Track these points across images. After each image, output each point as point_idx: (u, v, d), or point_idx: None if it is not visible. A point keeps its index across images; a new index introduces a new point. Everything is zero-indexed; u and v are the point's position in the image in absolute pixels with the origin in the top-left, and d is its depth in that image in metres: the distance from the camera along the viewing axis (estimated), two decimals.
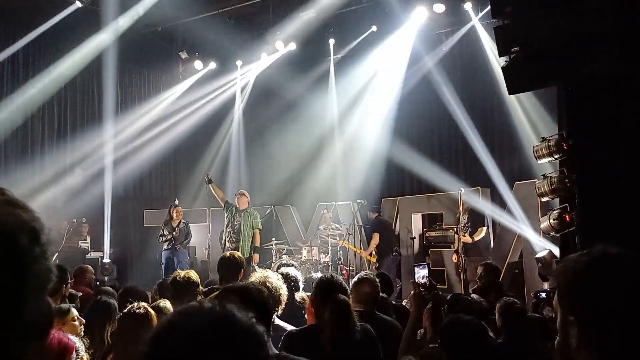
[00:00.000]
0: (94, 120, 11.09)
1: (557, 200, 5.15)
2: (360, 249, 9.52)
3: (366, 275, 3.72)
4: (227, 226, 8.67)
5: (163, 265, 9.23)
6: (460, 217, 7.98)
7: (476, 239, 7.88)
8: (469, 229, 7.93)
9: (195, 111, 12.37)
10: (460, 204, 7.88)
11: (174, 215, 9.43)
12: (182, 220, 9.50)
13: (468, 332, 2.56)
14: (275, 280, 3.21)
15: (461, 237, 7.85)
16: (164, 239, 9.33)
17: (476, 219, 8.01)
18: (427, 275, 3.27)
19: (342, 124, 11.54)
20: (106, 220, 10.63)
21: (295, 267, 4.54)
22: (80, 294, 4.61)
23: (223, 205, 8.85)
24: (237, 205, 8.65)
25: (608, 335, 1.14)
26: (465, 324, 2.60)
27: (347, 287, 3.16)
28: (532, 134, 8.81)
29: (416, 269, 3.35)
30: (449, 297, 3.27)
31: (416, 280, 3.24)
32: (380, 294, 3.73)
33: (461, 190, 8.01)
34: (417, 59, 10.48)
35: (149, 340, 0.89)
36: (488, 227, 8.16)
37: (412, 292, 3.15)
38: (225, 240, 8.65)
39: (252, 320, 0.93)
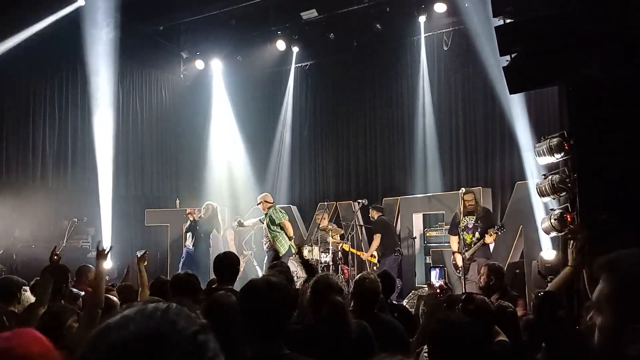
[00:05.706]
0: (93, 119, 11.05)
1: (559, 200, 5.15)
2: (362, 250, 9.49)
3: (367, 274, 3.75)
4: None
5: (182, 260, 9.47)
6: (463, 218, 7.61)
7: (487, 242, 7.42)
8: (479, 230, 7.51)
9: (197, 110, 12.37)
10: (460, 203, 7.78)
11: (189, 215, 9.61)
12: (191, 219, 9.60)
13: (455, 335, 2.44)
14: None
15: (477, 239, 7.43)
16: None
17: (487, 221, 7.58)
18: (442, 277, 3.34)
19: (342, 124, 11.54)
20: (108, 220, 10.54)
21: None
22: (83, 293, 4.62)
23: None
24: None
25: None
26: (454, 325, 2.49)
27: (345, 287, 3.21)
28: (532, 133, 8.76)
29: (432, 272, 3.42)
30: (463, 297, 3.27)
31: (432, 282, 3.30)
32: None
33: (462, 190, 7.97)
34: (417, 58, 10.47)
35: (85, 344, 0.85)
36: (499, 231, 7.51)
37: (428, 292, 3.19)
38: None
39: (195, 329, 0.85)
